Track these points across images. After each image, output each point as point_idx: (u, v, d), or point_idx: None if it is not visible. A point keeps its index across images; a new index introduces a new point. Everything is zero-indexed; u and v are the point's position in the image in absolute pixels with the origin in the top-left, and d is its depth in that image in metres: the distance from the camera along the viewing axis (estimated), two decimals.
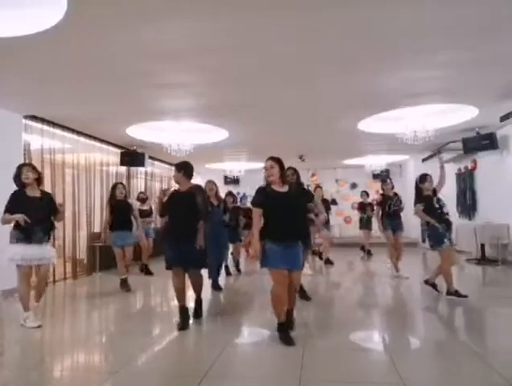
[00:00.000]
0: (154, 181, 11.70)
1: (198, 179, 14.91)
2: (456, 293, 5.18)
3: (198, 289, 4.62)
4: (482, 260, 8.49)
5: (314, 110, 6.93)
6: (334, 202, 14.60)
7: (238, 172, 12.88)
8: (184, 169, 4.57)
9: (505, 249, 8.14)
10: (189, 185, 4.55)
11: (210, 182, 6.41)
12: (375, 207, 8.21)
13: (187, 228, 4.34)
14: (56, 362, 3.50)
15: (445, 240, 5.21)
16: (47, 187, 7.07)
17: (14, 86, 5.38)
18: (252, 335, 4.01)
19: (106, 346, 3.90)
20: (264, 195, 3.84)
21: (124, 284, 6.34)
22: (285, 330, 3.71)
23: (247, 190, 13.13)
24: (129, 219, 6.47)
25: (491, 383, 2.78)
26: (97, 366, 3.36)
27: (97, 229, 8.35)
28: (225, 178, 14.59)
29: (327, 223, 8.45)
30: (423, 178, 5.46)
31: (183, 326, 4.25)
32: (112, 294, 6.13)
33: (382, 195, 7.66)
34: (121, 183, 6.96)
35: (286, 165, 4.13)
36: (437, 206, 5.30)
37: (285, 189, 3.86)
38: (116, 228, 6.34)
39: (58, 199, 7.20)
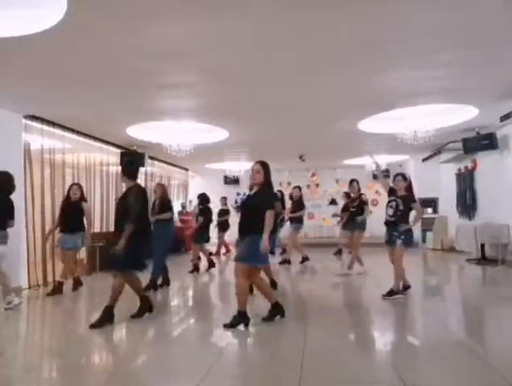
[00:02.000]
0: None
1: (198, 179, 15.01)
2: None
3: (135, 291, 4.59)
4: (482, 260, 8.49)
5: (314, 110, 6.93)
6: (334, 202, 14.62)
7: (238, 172, 12.87)
8: (124, 168, 4.66)
9: (505, 249, 8.14)
10: (130, 185, 4.49)
11: (155, 185, 6.95)
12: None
13: (116, 229, 4.39)
14: (54, 361, 3.49)
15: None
16: (47, 187, 7.09)
17: (14, 86, 5.38)
18: (251, 335, 4.01)
19: (105, 346, 3.90)
20: None
21: (69, 286, 6.21)
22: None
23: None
24: (76, 221, 6.10)
25: (491, 383, 2.77)
26: (96, 366, 3.36)
27: (96, 229, 8.34)
28: (225, 178, 14.58)
29: (297, 222, 8.72)
30: (394, 178, 5.74)
31: (93, 322, 4.16)
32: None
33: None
34: (77, 184, 6.49)
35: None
36: (386, 205, 5.58)
37: (253, 191, 4.21)
38: (61, 230, 6.18)
39: (58, 200, 7.27)
